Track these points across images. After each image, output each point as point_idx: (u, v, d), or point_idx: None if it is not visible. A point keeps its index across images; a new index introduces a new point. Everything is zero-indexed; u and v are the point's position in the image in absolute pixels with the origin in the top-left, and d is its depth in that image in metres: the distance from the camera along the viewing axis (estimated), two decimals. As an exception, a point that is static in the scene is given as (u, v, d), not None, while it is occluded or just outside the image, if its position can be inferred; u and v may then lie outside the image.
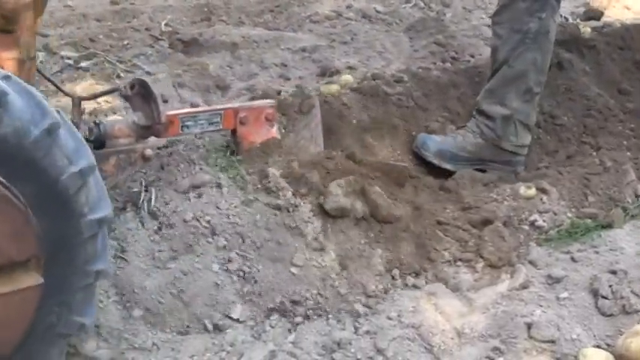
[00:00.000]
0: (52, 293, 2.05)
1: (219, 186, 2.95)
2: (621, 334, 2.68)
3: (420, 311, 2.80)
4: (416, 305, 2.82)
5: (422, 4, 5.56)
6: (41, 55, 4.17)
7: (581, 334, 2.69)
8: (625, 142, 3.94)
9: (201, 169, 3.05)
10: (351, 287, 2.85)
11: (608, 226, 3.20)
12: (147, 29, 4.71)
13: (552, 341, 2.65)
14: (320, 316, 2.77)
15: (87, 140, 2.69)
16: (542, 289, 2.90)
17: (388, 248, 3.00)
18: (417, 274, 2.97)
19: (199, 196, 2.92)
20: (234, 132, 3.14)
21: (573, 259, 3.02)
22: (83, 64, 4.15)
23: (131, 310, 2.67)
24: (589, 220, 3.25)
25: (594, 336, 2.71)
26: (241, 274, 2.77)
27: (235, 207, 2.89)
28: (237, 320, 2.71)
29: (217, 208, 2.88)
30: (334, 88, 3.91)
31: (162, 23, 4.85)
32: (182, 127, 3.00)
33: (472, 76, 4.25)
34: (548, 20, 3.67)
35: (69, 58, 4.18)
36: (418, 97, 4.03)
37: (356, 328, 2.71)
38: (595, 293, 2.84)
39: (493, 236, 3.10)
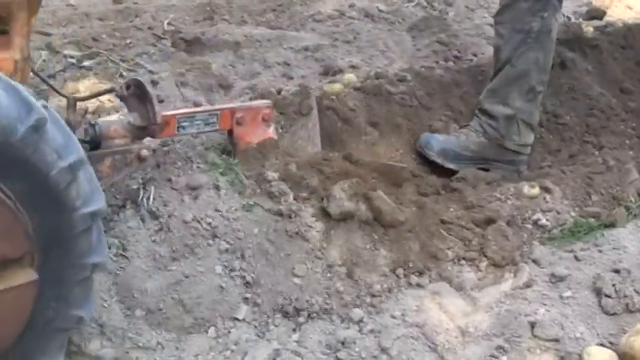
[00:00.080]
0: (49, 288, 2.06)
1: (217, 188, 2.95)
2: (625, 333, 2.69)
3: (424, 310, 2.81)
4: (420, 304, 2.83)
5: (424, 3, 5.56)
6: (44, 54, 4.17)
7: (584, 332, 2.70)
8: (627, 142, 3.94)
9: (198, 167, 3.05)
10: (356, 292, 2.84)
11: (611, 225, 3.21)
12: (149, 28, 4.71)
13: (556, 340, 2.66)
14: (324, 317, 2.78)
15: (82, 141, 2.71)
16: (545, 287, 2.91)
17: (392, 249, 2.99)
18: (420, 273, 2.97)
19: (198, 197, 2.92)
20: (230, 132, 3.14)
21: (577, 258, 3.03)
22: (86, 63, 4.14)
23: (134, 310, 2.67)
24: (592, 219, 3.25)
25: (598, 334, 2.72)
26: (244, 280, 2.76)
27: (235, 210, 2.89)
28: (242, 320, 2.71)
29: (217, 210, 2.88)
30: (337, 87, 3.91)
31: (165, 22, 4.85)
32: (178, 127, 2.99)
33: (475, 74, 4.25)
34: (550, 19, 3.67)
35: (72, 57, 4.18)
36: (421, 96, 4.04)
37: (360, 327, 2.72)
38: (598, 292, 2.84)
39: (496, 235, 3.10)
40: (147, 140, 2.91)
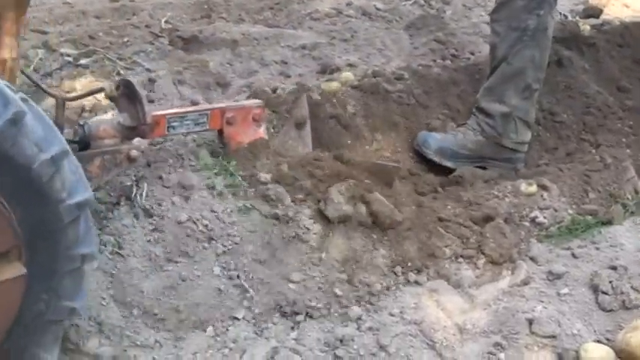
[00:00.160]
0: (38, 281, 2.05)
1: (211, 188, 2.95)
2: (621, 329, 2.70)
3: (422, 308, 2.81)
4: (418, 302, 2.84)
5: (422, 2, 5.56)
6: (40, 53, 4.17)
7: (581, 329, 2.71)
8: (624, 140, 3.95)
9: (191, 165, 3.05)
10: (355, 292, 2.84)
11: (609, 222, 3.22)
12: (147, 26, 4.70)
13: (553, 336, 2.67)
14: (322, 316, 2.78)
15: (71, 141, 2.71)
16: (543, 285, 2.92)
17: (391, 248, 2.99)
18: (418, 271, 2.98)
19: (192, 197, 2.91)
20: (221, 132, 3.13)
21: (574, 255, 3.04)
22: (83, 61, 4.14)
23: (131, 310, 2.67)
24: (589, 217, 3.26)
25: (595, 331, 2.73)
26: (242, 285, 2.76)
27: (231, 212, 2.89)
28: (240, 319, 2.72)
29: (213, 211, 2.88)
30: (335, 85, 3.91)
31: (162, 20, 4.85)
32: (168, 127, 2.98)
33: (472, 73, 4.26)
34: (546, 17, 3.68)
35: (68, 56, 4.17)
36: (419, 94, 4.04)
37: (358, 325, 2.72)
38: (595, 289, 2.85)
39: (494, 233, 3.11)
40: (136, 140, 2.90)
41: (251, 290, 2.75)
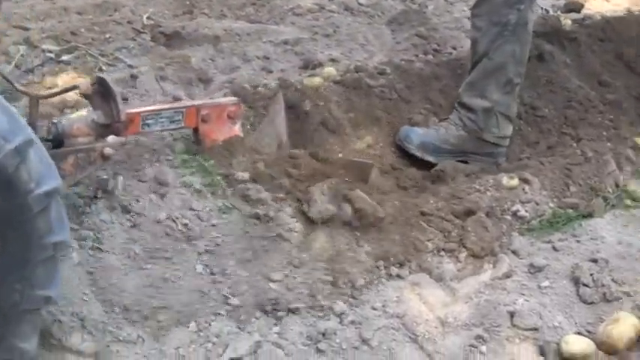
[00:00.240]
0: (11, 271, 2.05)
1: (189, 186, 2.94)
2: (602, 322, 2.73)
3: (404, 301, 2.82)
4: (400, 295, 2.85)
5: (404, -3, 5.56)
6: (22, 49, 4.15)
7: (562, 321, 2.73)
8: (605, 133, 3.96)
9: (167, 159, 3.04)
10: (338, 288, 2.85)
11: (589, 215, 3.25)
12: (129, 22, 4.68)
13: (535, 329, 2.69)
14: (305, 311, 2.78)
15: (45, 139, 2.70)
16: (524, 278, 2.94)
17: (374, 243, 3.00)
18: (401, 265, 2.98)
19: (169, 195, 2.91)
20: (196, 130, 3.12)
21: (555, 249, 3.06)
22: (65, 57, 4.12)
23: (113, 307, 2.66)
24: (570, 210, 3.29)
25: (576, 323, 2.75)
26: (224, 285, 2.76)
27: (210, 211, 2.89)
28: (223, 315, 2.72)
29: (192, 209, 2.88)
30: (317, 80, 3.92)
31: (144, 16, 4.82)
32: (143, 125, 2.97)
33: (454, 68, 4.26)
34: (527, 12, 3.69)
35: (50, 52, 4.15)
36: (401, 89, 4.05)
37: (341, 319, 2.72)
38: (576, 281, 2.87)
39: (476, 226, 3.12)
40: (110, 138, 2.89)
41: (233, 290, 2.75)
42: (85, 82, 2.86)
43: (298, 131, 3.66)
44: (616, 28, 4.62)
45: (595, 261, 2.94)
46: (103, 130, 2.89)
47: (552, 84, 4.21)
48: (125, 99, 3.65)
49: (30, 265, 2.08)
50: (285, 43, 4.55)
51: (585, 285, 2.84)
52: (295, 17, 5.02)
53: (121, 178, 2.93)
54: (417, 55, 4.45)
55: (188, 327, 2.66)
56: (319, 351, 2.61)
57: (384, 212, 3.06)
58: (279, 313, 2.73)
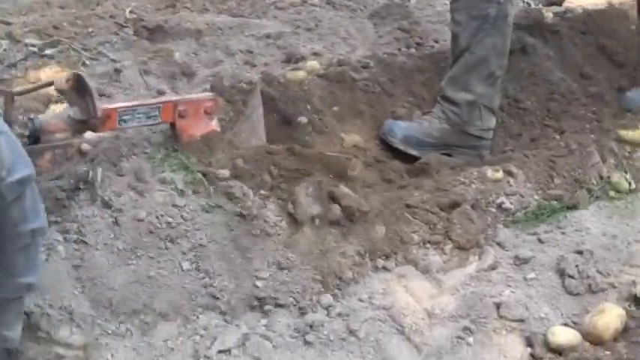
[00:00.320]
0: None
1: (170, 183, 2.93)
2: (588, 313, 2.75)
3: (390, 293, 2.83)
4: (386, 287, 2.86)
5: (386, -10, 5.56)
6: (4, 43, 4.13)
7: (549, 313, 2.75)
8: (588, 126, 3.98)
9: (145, 152, 3.03)
10: (325, 282, 2.85)
11: (574, 207, 3.27)
12: (111, 17, 4.66)
13: (521, 320, 2.71)
14: (292, 305, 2.78)
15: (21, 136, 2.69)
16: (510, 269, 2.96)
17: (360, 237, 3.00)
18: (387, 257, 2.99)
19: (151, 193, 2.90)
20: (173, 125, 3.11)
21: (540, 240, 3.08)
22: (48, 51, 4.11)
23: (100, 301, 2.65)
24: (555, 202, 3.30)
25: (562, 315, 2.77)
26: (208, 280, 2.76)
27: (193, 210, 2.87)
28: (210, 308, 2.72)
29: (174, 206, 2.87)
30: (301, 74, 3.92)
31: (127, 10, 4.81)
32: (119, 121, 2.94)
33: (437, 61, 4.27)
34: (506, 5, 3.69)
35: (33, 46, 4.14)
36: (384, 82, 4.05)
37: (328, 311, 2.73)
38: (562, 273, 2.89)
39: (461, 219, 3.13)
40: (87, 134, 2.88)
41: (220, 286, 2.74)
42: (60, 78, 2.84)
43: (281, 125, 3.66)
44: (597, 20, 4.63)
45: (580, 252, 2.96)
46: (79, 126, 2.87)
47: (535, 76, 4.22)
48: (102, 95, 3.63)
49: (8, 254, 2.08)
50: (268, 37, 4.55)
51: (571, 276, 2.86)
52: (277, 11, 5.02)
53: (99, 169, 2.91)
54: (399, 49, 4.46)
55: (176, 321, 2.66)
56: (307, 343, 2.62)
57: (369, 206, 3.06)
58: (267, 307, 2.73)
